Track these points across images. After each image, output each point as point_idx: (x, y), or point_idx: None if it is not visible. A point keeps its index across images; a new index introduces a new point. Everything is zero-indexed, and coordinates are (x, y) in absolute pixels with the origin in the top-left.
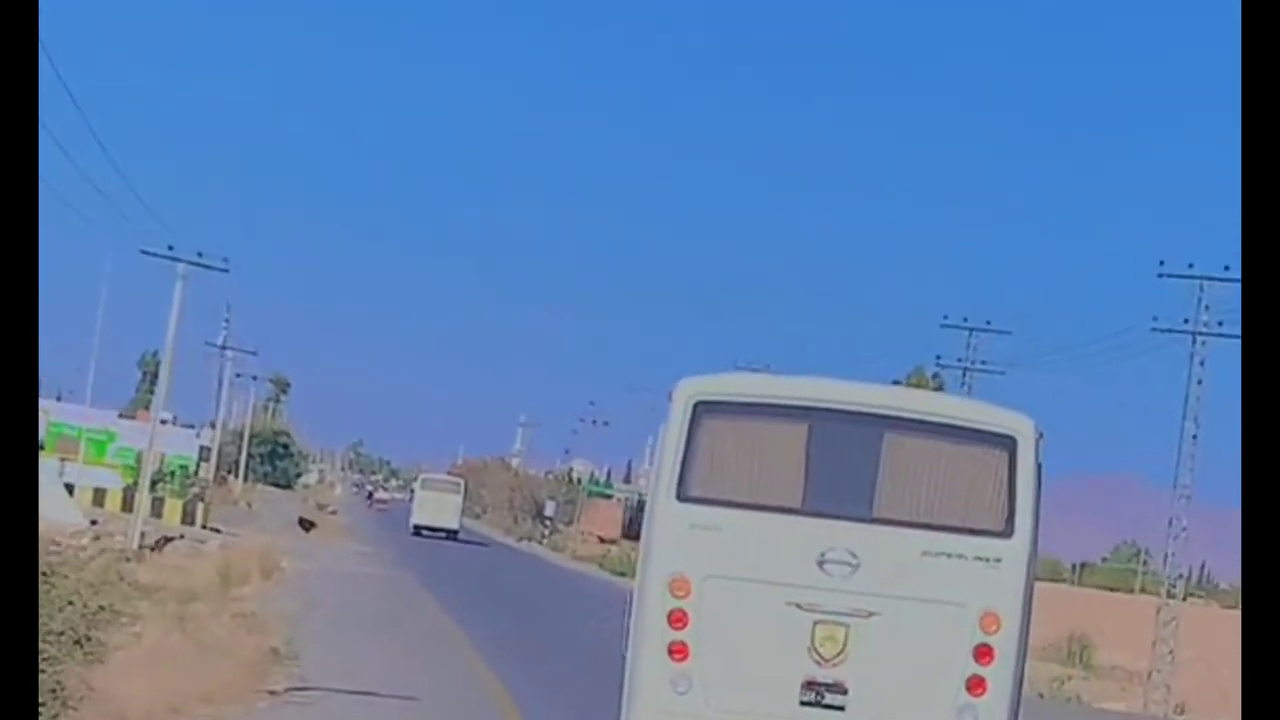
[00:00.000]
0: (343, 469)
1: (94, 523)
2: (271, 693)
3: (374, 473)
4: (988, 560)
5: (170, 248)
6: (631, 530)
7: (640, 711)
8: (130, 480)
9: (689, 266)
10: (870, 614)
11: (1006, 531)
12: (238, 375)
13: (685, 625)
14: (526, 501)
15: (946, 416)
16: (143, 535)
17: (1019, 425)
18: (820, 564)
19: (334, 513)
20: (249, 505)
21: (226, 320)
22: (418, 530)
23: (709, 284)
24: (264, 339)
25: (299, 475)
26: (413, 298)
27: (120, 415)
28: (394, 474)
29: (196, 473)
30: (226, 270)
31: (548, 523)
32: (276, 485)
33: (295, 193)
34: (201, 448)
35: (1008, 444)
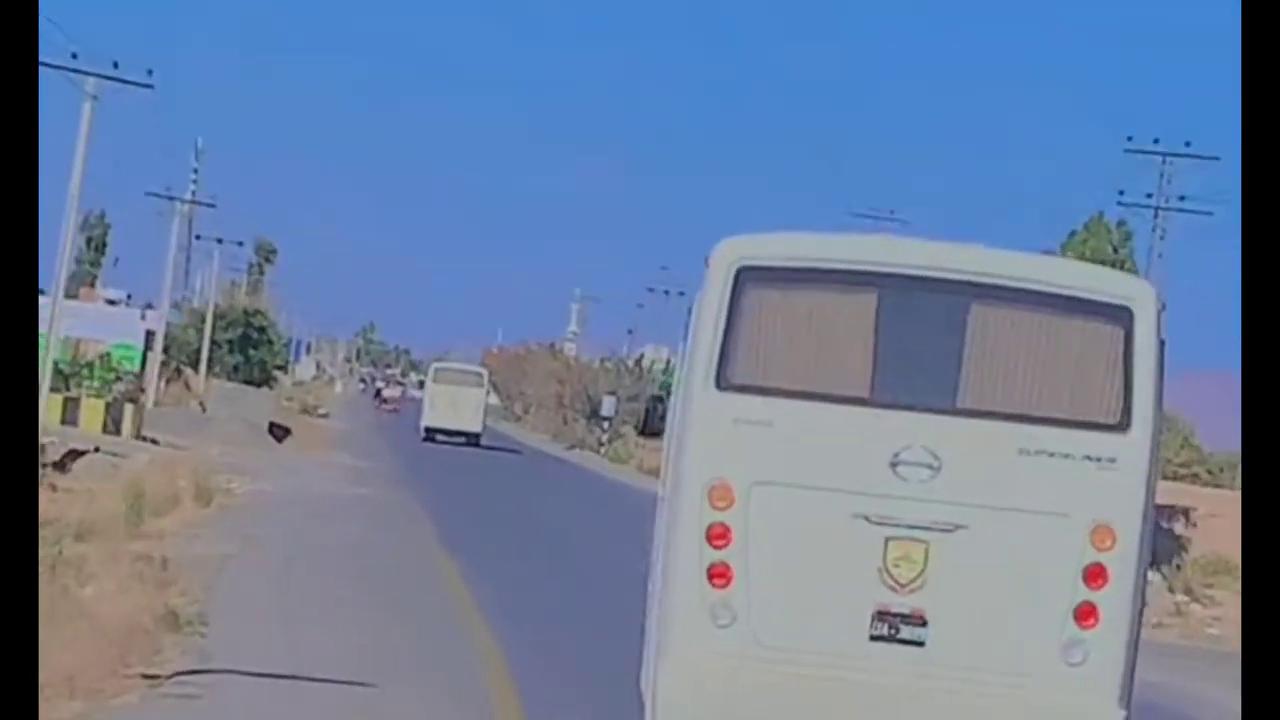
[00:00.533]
0: (348, 360)
1: None
2: (149, 677)
3: (389, 365)
4: (1100, 460)
5: (74, 56)
6: (649, 426)
7: (673, 651)
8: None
9: (790, 97)
10: (955, 527)
11: (1122, 424)
12: (198, 238)
13: (727, 543)
14: (580, 398)
15: (1048, 283)
16: (43, 448)
17: (1136, 293)
18: (893, 466)
19: (324, 415)
20: (202, 407)
21: (195, 171)
22: (430, 434)
23: (817, 118)
24: (245, 195)
25: (281, 367)
26: (437, 144)
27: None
28: (414, 366)
29: (143, 366)
30: (150, 86)
31: (606, 425)
32: (250, 382)
33: (286, 6)
34: (148, 333)
35: (1122, 317)
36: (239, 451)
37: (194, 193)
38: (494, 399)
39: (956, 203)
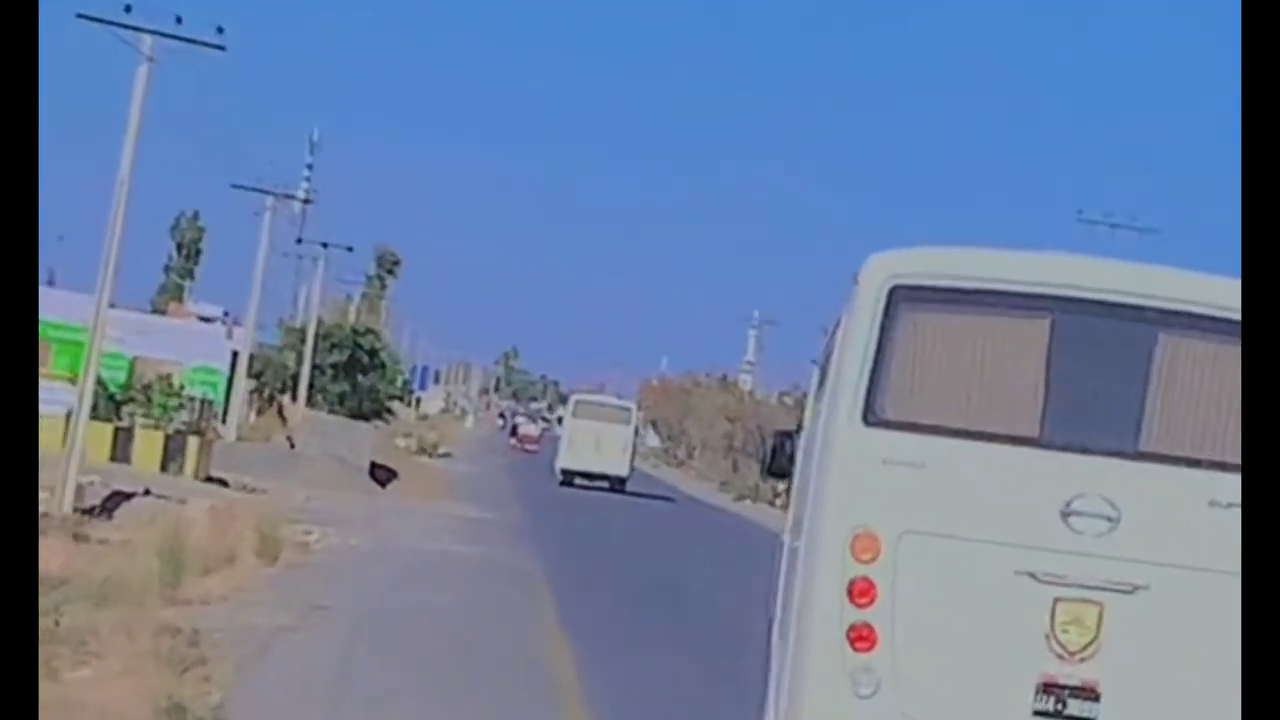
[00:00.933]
0: (484, 392)
1: None
2: None
3: (533, 398)
4: None
5: (128, 9)
6: (774, 465)
7: None
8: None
9: (1017, 88)
10: (1134, 588)
11: None
12: (298, 242)
13: (872, 601)
14: (754, 439)
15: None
16: (80, 489)
17: None
18: (1065, 517)
19: (445, 455)
20: (290, 443)
21: (309, 168)
22: (567, 478)
23: (1050, 113)
24: (361, 193)
25: (397, 397)
26: (594, 138)
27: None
28: (562, 399)
29: (227, 392)
30: (221, 48)
31: None
32: (359, 415)
33: None
34: (234, 354)
35: None
36: (328, 496)
37: (307, 192)
38: (654, 440)
39: (1219, 213)
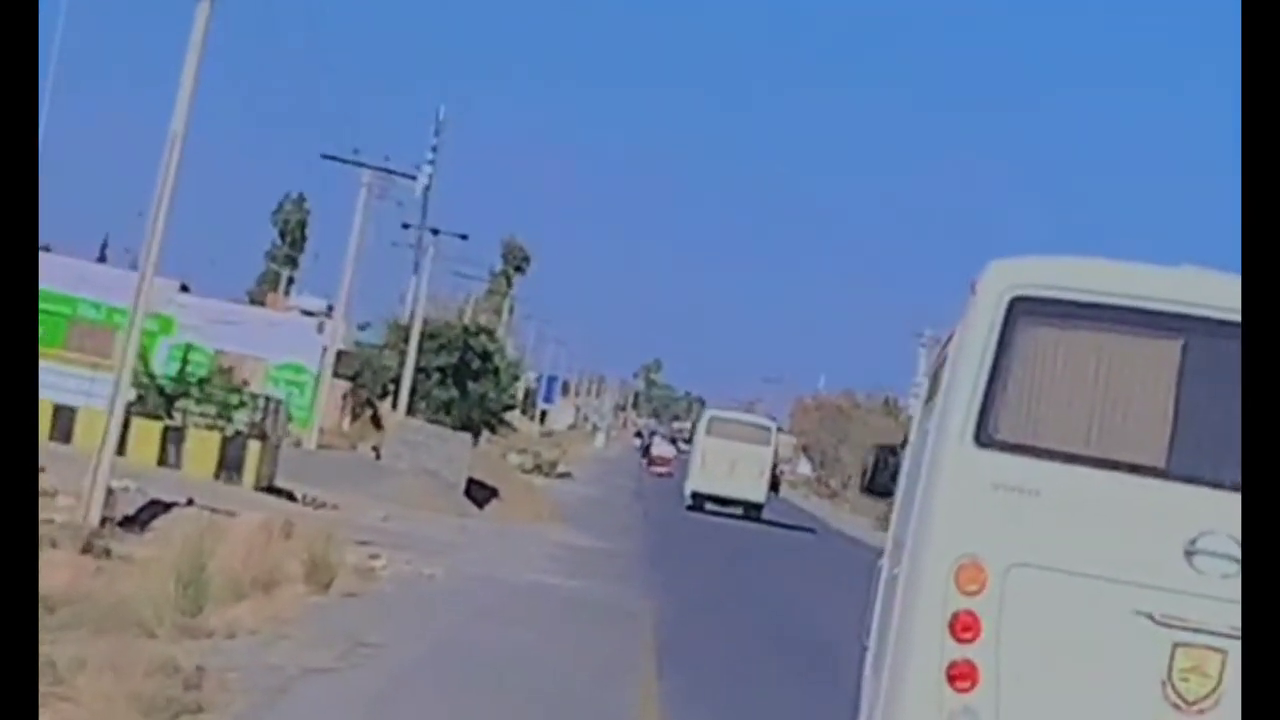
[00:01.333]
0: (620, 408)
1: None
2: None
3: (676, 417)
4: None
5: None
6: (875, 483)
7: None
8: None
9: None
10: None
11: None
12: (405, 226)
13: (975, 636)
14: None
15: None
16: (112, 495)
17: None
18: (1189, 555)
19: (563, 475)
20: (375, 453)
21: (434, 150)
22: (697, 502)
23: None
24: (493, 183)
25: (512, 407)
26: (750, 130)
27: (180, 288)
28: None
29: (316, 388)
30: None
31: None
32: (468, 426)
33: None
34: (325, 349)
35: None
36: (411, 516)
37: (432, 177)
38: (805, 468)
39: None
